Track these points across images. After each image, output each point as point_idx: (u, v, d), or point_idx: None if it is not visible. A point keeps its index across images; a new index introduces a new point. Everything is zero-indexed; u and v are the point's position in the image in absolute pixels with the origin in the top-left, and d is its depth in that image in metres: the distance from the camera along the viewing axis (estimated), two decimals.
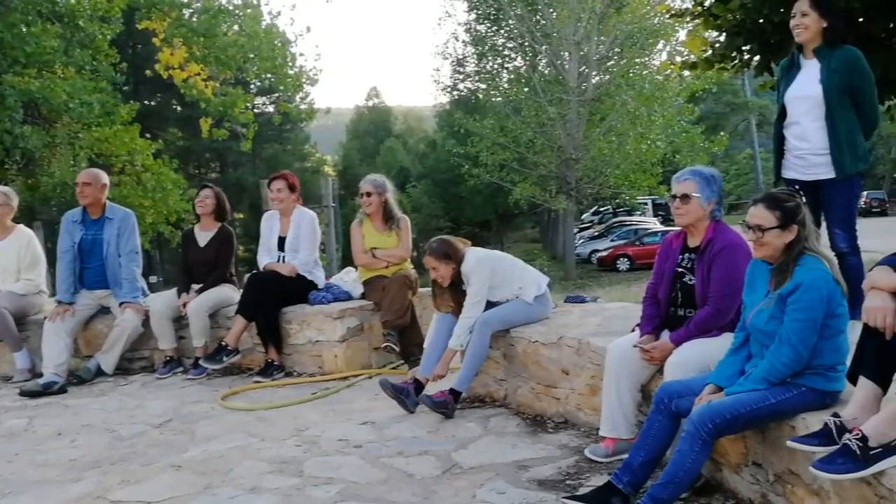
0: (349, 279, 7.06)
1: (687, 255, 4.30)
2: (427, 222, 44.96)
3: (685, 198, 4.17)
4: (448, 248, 5.47)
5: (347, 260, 8.92)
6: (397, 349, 6.26)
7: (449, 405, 5.26)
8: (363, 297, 6.87)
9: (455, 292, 5.52)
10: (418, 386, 5.43)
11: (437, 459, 4.53)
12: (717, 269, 4.09)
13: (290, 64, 21.43)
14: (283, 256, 6.90)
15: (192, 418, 5.59)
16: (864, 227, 4.80)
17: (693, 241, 4.28)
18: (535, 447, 4.69)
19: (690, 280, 4.23)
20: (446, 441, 4.85)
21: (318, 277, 6.97)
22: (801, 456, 3.30)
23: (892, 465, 2.85)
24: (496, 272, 5.49)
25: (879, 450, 2.87)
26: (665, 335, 4.30)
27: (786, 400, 3.41)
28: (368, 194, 6.73)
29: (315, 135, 58.56)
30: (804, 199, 3.57)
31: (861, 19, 6.13)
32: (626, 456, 4.05)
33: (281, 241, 6.93)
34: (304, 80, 22.96)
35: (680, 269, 4.30)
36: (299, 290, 6.83)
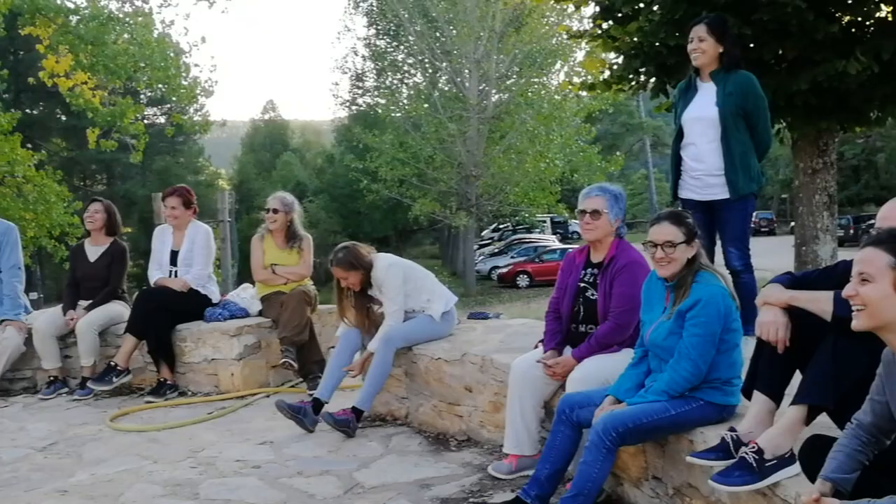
0: (246, 295, 6.88)
1: (590, 269, 4.36)
2: (324, 237, 44.49)
3: (595, 213, 4.24)
4: (353, 258, 5.38)
5: (243, 276, 8.71)
6: (296, 365, 6.13)
7: (351, 424, 5.17)
8: (261, 313, 6.70)
9: (360, 297, 5.45)
10: (317, 404, 5.32)
11: (339, 479, 4.44)
12: (619, 286, 4.15)
13: (183, 74, 20.89)
14: (176, 271, 6.67)
15: (79, 441, 5.32)
16: (753, 246, 4.95)
17: (596, 257, 4.34)
18: (438, 465, 4.65)
19: (593, 295, 4.29)
20: (348, 460, 4.76)
21: (212, 292, 6.77)
22: (699, 469, 3.36)
23: (786, 477, 2.93)
24: (408, 279, 5.45)
25: (774, 462, 2.95)
26: (567, 351, 4.34)
27: (685, 412, 3.48)
28: (275, 211, 6.57)
29: (209, 147, 57.32)
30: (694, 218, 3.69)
31: (752, 45, 6.39)
32: (529, 472, 4.08)
33: (174, 256, 6.70)
34: (198, 91, 22.40)
35: (582, 284, 4.35)
36: (193, 306, 6.62)
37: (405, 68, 38.56)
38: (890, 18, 6.62)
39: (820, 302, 2.99)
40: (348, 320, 5.47)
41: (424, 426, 5.40)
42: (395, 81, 38.47)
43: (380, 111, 37.34)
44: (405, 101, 36.00)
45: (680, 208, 3.83)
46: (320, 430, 5.25)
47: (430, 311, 5.49)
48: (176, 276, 6.65)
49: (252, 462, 4.78)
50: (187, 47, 44.96)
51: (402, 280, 5.39)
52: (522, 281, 34.52)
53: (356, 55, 42.50)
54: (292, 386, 6.59)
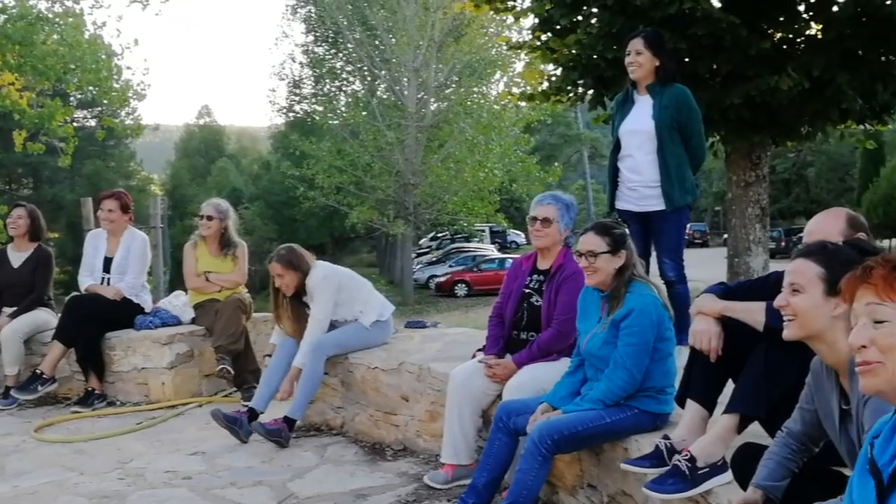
0: (179, 303, 6.74)
1: (536, 276, 4.38)
2: (260, 244, 43.86)
3: (546, 221, 4.27)
4: (294, 257, 5.31)
5: (176, 283, 8.54)
6: (233, 372, 6.01)
7: (283, 433, 5.09)
8: (194, 321, 6.57)
9: (296, 304, 5.37)
10: (252, 414, 5.23)
11: (272, 490, 4.37)
12: (564, 293, 4.18)
13: (115, 77, 20.45)
14: (109, 278, 6.50)
15: (1, 452, 5.13)
16: (687, 257, 5.03)
17: (543, 264, 4.36)
18: (374, 475, 4.61)
19: (537, 301, 4.31)
20: (281, 471, 4.69)
21: (146, 301, 6.61)
22: (633, 477, 3.40)
23: (718, 484, 2.97)
24: (342, 288, 5.39)
25: (707, 469, 2.99)
26: (509, 357, 4.35)
27: (620, 420, 3.52)
28: (209, 218, 6.44)
29: (141, 152, 56.17)
30: (629, 229, 3.73)
31: (687, 59, 6.51)
32: (465, 482, 4.07)
33: (107, 262, 6.52)
34: (130, 94, 21.96)
35: (527, 290, 4.38)
36: (124, 314, 6.45)
37: (343, 76, 38.40)
38: (820, 36, 6.82)
39: (752, 312, 3.05)
40: (283, 328, 5.40)
41: (360, 436, 5.35)
42: (334, 89, 38.29)
43: (317, 118, 37.11)
44: (343, 109, 35.84)
45: (615, 219, 3.87)
46: (254, 440, 5.16)
47: (361, 320, 5.44)
48: (109, 283, 6.47)
49: (183, 473, 4.67)
50: (119, 49, 43.90)
51: (334, 291, 5.33)
52: (461, 290, 34.58)
53: (294, 62, 42.18)
54: (226, 395, 6.47)
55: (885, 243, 31.02)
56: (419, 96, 32.63)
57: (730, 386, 3.16)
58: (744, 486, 2.69)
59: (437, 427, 4.73)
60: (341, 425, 5.54)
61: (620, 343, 3.51)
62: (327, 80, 37.71)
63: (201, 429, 5.55)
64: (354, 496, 4.27)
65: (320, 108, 37.27)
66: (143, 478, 4.61)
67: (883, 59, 7.00)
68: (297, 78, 42.20)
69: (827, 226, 3.07)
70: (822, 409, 2.46)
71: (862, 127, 8.20)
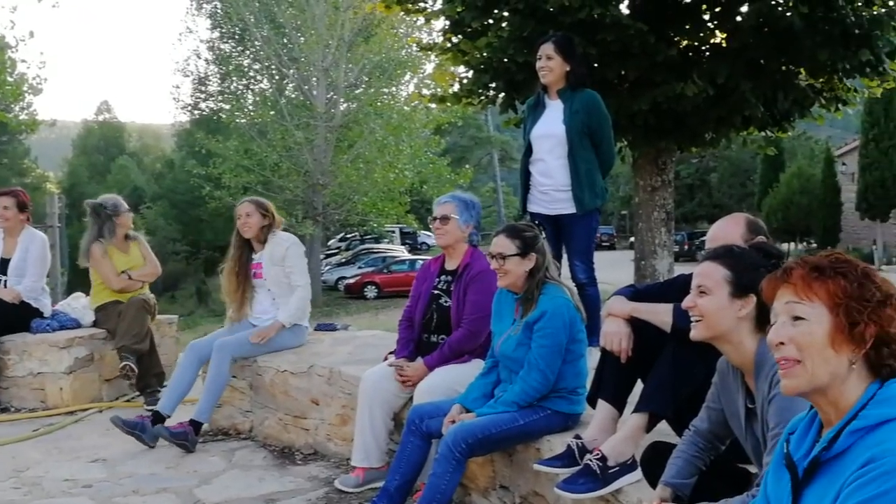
0: (78, 305, 6.49)
1: (444, 277, 4.39)
2: (163, 245, 42.89)
3: (445, 219, 4.29)
4: (267, 205, 5.43)
5: (74, 285, 8.23)
6: (137, 371, 5.80)
7: (189, 437, 4.96)
8: (95, 324, 6.34)
9: (247, 253, 5.37)
10: (157, 418, 5.07)
11: (178, 497, 4.27)
12: (472, 293, 4.19)
13: (9, 70, 19.62)
14: (6, 280, 6.21)
15: None
16: (595, 259, 5.10)
17: (451, 264, 4.37)
18: (283, 480, 4.54)
19: (446, 302, 4.31)
20: (187, 477, 4.57)
21: (45, 305, 6.35)
22: (545, 478, 3.43)
23: (628, 483, 3.02)
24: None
25: (617, 468, 3.04)
26: (420, 360, 4.34)
27: (533, 422, 3.55)
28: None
29: (37, 148, 54.12)
30: (544, 233, 3.76)
31: (596, 65, 6.62)
32: (377, 485, 4.05)
33: (4, 264, 6.22)
34: (25, 88, 21.10)
35: (436, 291, 4.38)
36: (21, 318, 6.17)
37: (251, 74, 37.69)
38: (724, 45, 7.03)
39: (660, 314, 3.11)
40: (229, 297, 5.38)
41: (269, 440, 5.26)
42: (241, 87, 37.53)
43: (224, 116, 36.32)
44: (250, 107, 35.18)
45: (528, 222, 3.91)
46: (160, 445, 5.01)
47: (279, 318, 5.35)
48: (6, 285, 6.18)
49: (83, 481, 4.51)
50: (14, 42, 42.07)
51: (304, 257, 5.40)
52: (370, 292, 34.38)
53: (199, 58, 41.20)
54: (128, 400, 6.26)
55: (784, 247, 32.31)
56: (328, 96, 32.33)
57: (639, 386, 3.21)
58: (653, 485, 2.74)
59: (347, 430, 4.69)
60: (250, 429, 5.43)
61: (534, 345, 3.54)
62: (234, 78, 36.93)
63: (102, 435, 5.36)
64: (263, 501, 4.20)
65: (227, 107, 36.49)
66: (40, 487, 4.43)
67: (784, 68, 7.26)
68: (202, 75, 41.26)
69: (728, 231, 3.15)
70: (728, 407, 2.53)
71: (763, 134, 8.50)
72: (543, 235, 3.79)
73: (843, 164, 34.22)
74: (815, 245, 33.56)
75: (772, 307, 1.84)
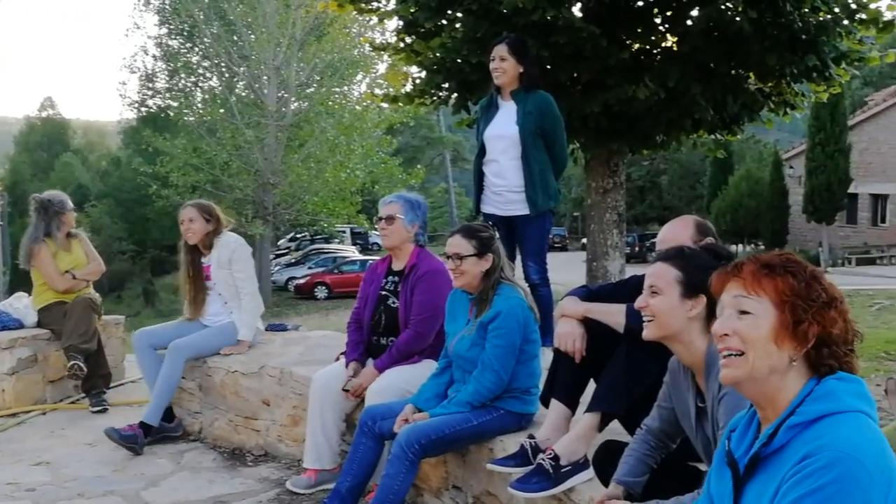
0: (20, 305, 6.31)
1: (391, 277, 4.37)
2: (109, 244, 42.14)
3: (390, 219, 4.27)
4: (211, 208, 5.30)
5: (16, 284, 8.04)
6: (85, 370, 5.67)
7: (139, 440, 4.88)
8: (39, 324, 6.18)
9: (196, 257, 5.26)
10: (146, 429, 5.01)
11: (124, 499, 4.20)
12: (419, 293, 4.18)
13: None
14: None
15: None
16: (548, 260, 5.13)
17: (397, 265, 4.36)
18: (234, 482, 4.48)
19: (394, 303, 4.30)
20: (134, 479, 4.50)
21: None
22: (498, 477, 3.43)
23: (580, 482, 3.04)
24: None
25: (569, 467, 3.05)
26: (370, 363, 4.32)
27: (487, 422, 3.55)
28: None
29: None
30: (497, 233, 3.77)
31: (549, 67, 6.65)
32: (329, 486, 4.02)
33: None
34: None
35: (384, 293, 4.36)
36: None
37: (200, 71, 37.22)
38: (675, 48, 7.11)
39: (613, 314, 3.13)
40: (188, 302, 5.30)
41: (219, 441, 5.19)
42: (189, 84, 37.03)
43: (172, 114, 35.84)
44: (199, 105, 34.74)
45: (483, 222, 3.92)
46: (104, 447, 4.92)
47: (233, 319, 5.29)
48: None
49: (25, 485, 4.40)
50: None
51: (251, 259, 5.31)
52: (321, 292, 34.20)
53: (146, 54, 40.56)
54: (73, 402, 6.12)
55: (733, 248, 32.83)
56: (279, 95, 32.07)
57: (592, 386, 3.23)
58: (605, 483, 2.76)
59: (299, 431, 4.65)
60: (199, 431, 5.36)
61: (488, 345, 3.55)
62: (182, 75, 36.43)
63: (45, 438, 5.24)
64: (213, 503, 4.13)
65: (175, 104, 35.99)
66: None
67: (733, 72, 7.38)
68: (149, 71, 40.63)
69: (677, 232, 3.19)
70: (679, 406, 2.55)
71: (713, 137, 8.63)
72: (498, 236, 3.79)
73: (791, 167, 34.91)
74: (762, 247, 34.16)
75: (719, 300, 1.87)
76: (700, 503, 2.01)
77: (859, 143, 32.24)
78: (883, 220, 33.71)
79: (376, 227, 4.45)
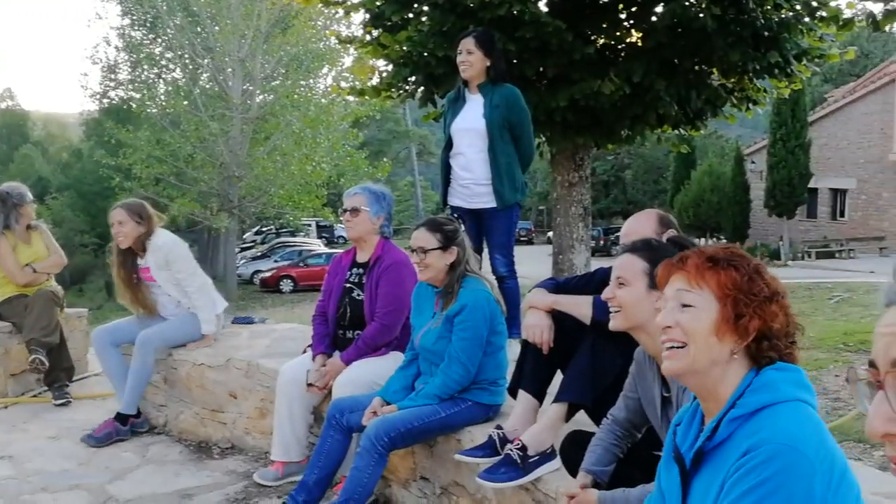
0: None
1: (355, 269, 4.37)
2: (70, 237, 41.51)
3: (354, 211, 4.27)
4: (141, 208, 5.13)
5: None
6: (47, 364, 5.61)
7: (119, 431, 4.95)
8: (0, 318, 6.08)
9: (130, 259, 5.16)
10: (122, 419, 5.03)
11: (90, 493, 4.16)
12: (384, 285, 4.18)
13: None
14: None
15: None
16: (514, 253, 5.15)
17: (362, 257, 4.36)
18: (201, 475, 4.46)
19: (359, 295, 4.30)
20: (99, 473, 4.46)
21: None
22: (466, 468, 3.46)
23: (548, 471, 3.07)
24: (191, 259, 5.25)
25: (537, 457, 3.08)
26: (337, 357, 4.32)
27: (455, 413, 3.57)
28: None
29: None
30: (463, 225, 3.79)
31: (516, 61, 6.67)
32: (296, 478, 4.02)
33: None
34: None
35: (348, 285, 4.36)
36: None
37: (163, 62, 36.75)
38: (640, 44, 7.17)
39: (580, 306, 3.16)
40: (130, 306, 5.23)
41: (185, 434, 5.16)
42: (152, 76, 36.52)
43: (134, 106, 35.37)
44: (162, 97, 34.31)
45: (448, 215, 3.94)
46: (68, 441, 4.89)
47: (195, 311, 5.25)
48: None
49: None
50: None
51: (190, 255, 5.22)
52: (286, 286, 34.01)
53: (109, 45, 40.02)
54: (35, 395, 6.04)
55: (696, 242, 33.13)
56: (244, 87, 31.77)
57: (559, 377, 3.27)
58: (572, 473, 2.80)
59: (266, 424, 4.64)
60: (164, 424, 5.32)
61: (455, 338, 3.56)
62: (145, 67, 35.92)
63: (7, 432, 5.17)
64: (180, 496, 4.12)
65: (138, 96, 35.46)
66: None
67: (697, 68, 7.47)
68: (112, 62, 40.05)
69: (640, 226, 3.24)
70: (644, 396, 2.59)
71: (677, 132, 8.72)
72: (463, 229, 3.81)
73: (752, 162, 35.27)
74: (724, 241, 34.53)
75: (663, 292, 1.90)
76: (652, 499, 2.03)
77: (819, 138, 32.69)
78: (842, 215, 34.20)
79: (341, 219, 4.42)
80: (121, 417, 4.98)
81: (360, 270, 4.34)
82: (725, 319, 1.78)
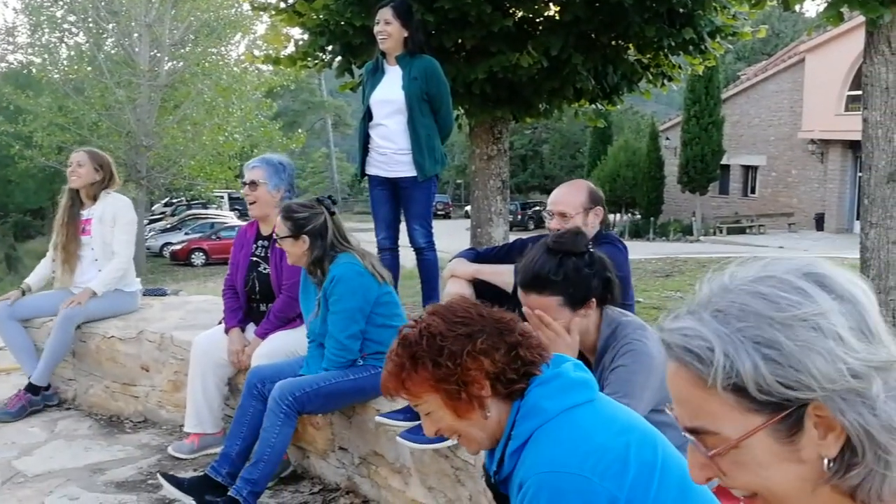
0: None
1: (260, 242, 4.33)
2: None
3: (253, 185, 4.23)
4: (103, 158, 5.12)
5: None
6: None
7: (31, 402, 4.82)
8: None
9: (78, 204, 5.03)
10: (33, 389, 4.88)
11: None
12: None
13: None
14: None
15: None
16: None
17: (266, 230, 4.31)
18: (112, 449, 4.37)
19: (265, 269, 4.26)
20: (5, 448, 4.33)
21: None
22: (385, 437, 3.47)
23: None
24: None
25: None
26: (251, 329, 4.27)
27: (365, 378, 3.55)
28: None
29: None
30: (329, 211, 3.69)
31: (434, 32, 6.62)
32: (212, 451, 3.98)
33: None
34: None
35: (255, 258, 4.31)
36: None
37: (65, 26, 35.29)
38: (558, 17, 7.19)
39: (502, 274, 3.20)
40: (59, 251, 5.02)
41: (95, 408, 5.03)
42: (54, 39, 35.02)
43: (35, 71, 33.92)
44: (65, 62, 32.99)
45: (307, 201, 3.83)
46: None
47: (120, 284, 5.10)
48: None
49: None
50: None
51: (135, 224, 5.11)
52: (198, 259, 33.31)
53: (6, 7, 38.29)
54: None
55: (612, 218, 33.67)
56: (152, 53, 30.77)
57: None
58: None
59: (180, 397, 4.56)
60: (73, 398, 5.18)
61: (329, 314, 3.54)
62: (46, 30, 34.40)
63: None
64: (90, 471, 4.03)
65: (38, 60, 34.02)
66: None
67: (614, 43, 7.53)
68: (10, 25, 38.36)
69: (571, 197, 3.28)
70: None
71: (594, 106, 8.81)
72: (325, 213, 3.66)
73: (667, 138, 35.94)
74: (639, 217, 35.17)
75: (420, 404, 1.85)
76: None
77: (732, 115, 33.50)
78: (753, 191, 35.17)
79: (241, 193, 4.35)
80: (32, 388, 4.84)
81: (266, 243, 4.30)
82: (453, 407, 1.77)
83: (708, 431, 0.98)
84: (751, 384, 0.93)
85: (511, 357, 1.79)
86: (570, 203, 3.21)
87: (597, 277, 2.45)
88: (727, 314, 0.96)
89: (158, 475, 3.67)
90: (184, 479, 3.62)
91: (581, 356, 2.56)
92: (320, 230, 3.59)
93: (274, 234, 3.69)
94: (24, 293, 5.13)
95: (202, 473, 3.66)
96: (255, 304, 4.32)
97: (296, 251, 3.60)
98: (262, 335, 4.17)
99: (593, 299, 2.45)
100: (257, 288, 4.28)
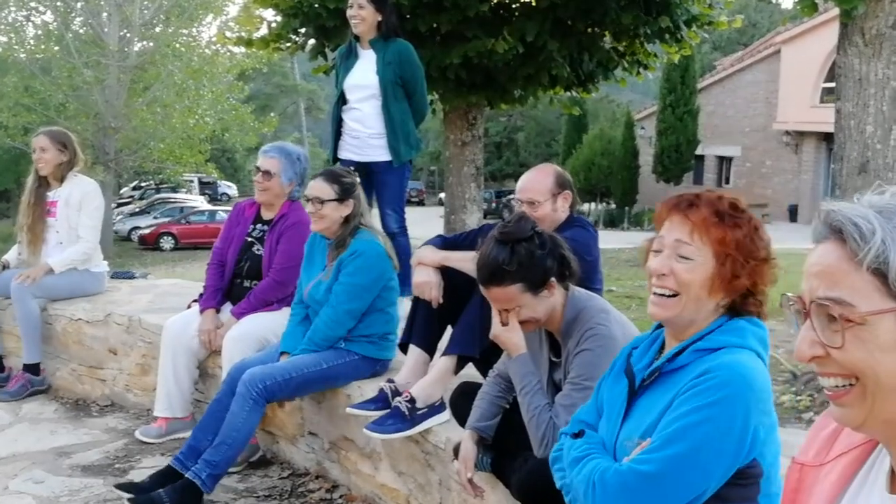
0: None
1: (259, 225, 4.30)
2: None
3: (267, 174, 4.16)
4: (67, 139, 5.07)
5: None
6: None
7: (33, 382, 4.83)
8: None
9: (44, 187, 4.97)
10: (32, 369, 4.89)
11: None
12: (285, 242, 4.13)
13: None
14: None
15: None
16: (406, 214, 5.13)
17: (267, 215, 4.29)
18: (78, 432, 4.33)
19: (259, 250, 4.23)
20: None
21: None
22: (355, 423, 3.46)
23: (437, 423, 3.11)
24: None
25: (425, 410, 3.11)
26: (227, 308, 4.24)
27: (338, 366, 3.55)
28: None
29: None
30: (359, 179, 3.76)
31: (409, 16, 6.60)
32: (180, 435, 3.95)
33: None
34: None
35: (250, 239, 4.28)
36: None
37: (32, 4, 34.69)
38: (534, 3, 7.19)
39: (469, 261, 3.17)
40: (24, 232, 4.97)
41: (61, 392, 4.98)
42: (20, 18, 34.44)
43: (0, 50, 33.36)
44: (32, 41, 32.44)
45: (345, 168, 3.90)
46: None
47: (87, 264, 5.04)
48: None
49: None
50: None
51: (102, 208, 5.05)
52: (167, 243, 32.94)
53: None
54: None
55: (586, 207, 33.64)
56: (122, 34, 30.33)
57: (450, 332, 3.30)
58: (461, 423, 2.84)
59: (148, 381, 4.53)
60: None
61: (336, 283, 3.54)
62: (12, 8, 33.82)
63: None
64: (56, 454, 3.98)
65: (4, 39, 33.42)
66: None
67: (589, 30, 7.55)
68: None
69: (538, 182, 3.27)
70: (532, 357, 2.63)
71: (569, 94, 8.83)
72: (359, 182, 3.77)
73: (642, 127, 35.89)
74: (614, 206, 35.19)
75: (660, 231, 1.90)
76: (587, 409, 2.09)
77: (707, 105, 33.54)
78: (727, 182, 35.25)
79: (253, 179, 4.27)
80: (29, 368, 4.82)
81: (265, 227, 4.27)
82: (721, 278, 1.83)
83: (843, 302, 1.05)
84: (892, 273, 1.02)
85: (766, 293, 1.91)
86: (537, 190, 3.21)
87: (550, 257, 2.45)
88: (892, 213, 1.06)
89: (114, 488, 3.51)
90: (144, 484, 3.48)
91: (550, 337, 2.58)
92: (360, 198, 3.66)
93: (307, 195, 3.63)
94: (4, 268, 5.07)
95: (166, 466, 3.54)
96: (241, 280, 4.29)
97: (335, 215, 3.59)
98: (239, 315, 4.14)
99: (552, 279, 2.45)
100: (247, 268, 4.26)
